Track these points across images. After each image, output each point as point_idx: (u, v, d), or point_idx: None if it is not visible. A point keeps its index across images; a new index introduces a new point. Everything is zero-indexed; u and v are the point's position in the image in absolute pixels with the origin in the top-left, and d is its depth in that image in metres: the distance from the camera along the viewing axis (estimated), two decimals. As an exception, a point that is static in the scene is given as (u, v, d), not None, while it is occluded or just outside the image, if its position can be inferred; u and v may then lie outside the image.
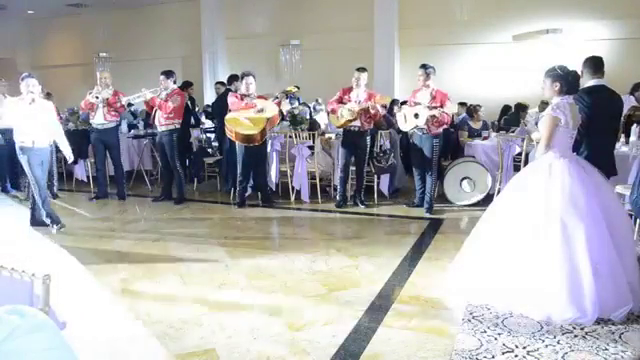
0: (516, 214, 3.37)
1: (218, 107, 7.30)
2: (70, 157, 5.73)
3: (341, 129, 6.20)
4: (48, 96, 7.73)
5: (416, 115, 5.73)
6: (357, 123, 6.02)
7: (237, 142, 6.23)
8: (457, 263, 3.66)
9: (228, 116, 6.20)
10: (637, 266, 3.28)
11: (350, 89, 6.06)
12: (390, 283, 3.83)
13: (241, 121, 6.07)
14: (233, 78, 7.27)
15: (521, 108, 7.71)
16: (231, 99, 6.20)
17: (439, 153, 5.98)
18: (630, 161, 5.16)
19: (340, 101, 6.06)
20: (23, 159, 5.29)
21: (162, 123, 6.54)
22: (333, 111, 6.09)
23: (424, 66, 5.76)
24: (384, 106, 6.23)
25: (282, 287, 3.82)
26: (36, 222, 5.64)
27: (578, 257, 3.07)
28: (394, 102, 8.60)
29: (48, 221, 5.47)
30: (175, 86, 6.76)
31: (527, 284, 3.19)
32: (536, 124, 4.12)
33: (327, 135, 7.04)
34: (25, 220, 5.84)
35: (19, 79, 5.36)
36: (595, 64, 4.10)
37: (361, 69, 6.04)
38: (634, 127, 5.77)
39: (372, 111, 5.86)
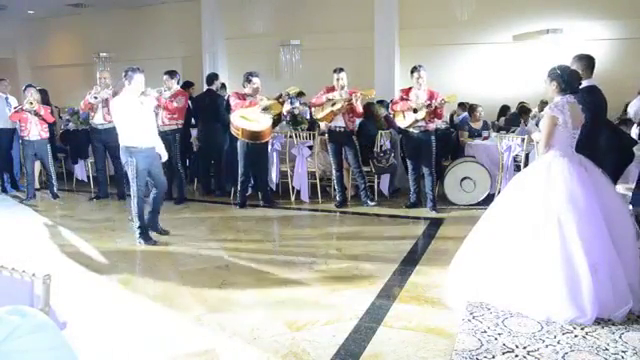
0: (516, 214, 3.37)
1: (199, 108, 7.22)
2: (165, 156, 5.19)
3: (327, 128, 6.27)
4: (42, 93, 7.71)
5: (415, 110, 5.76)
6: (341, 123, 6.08)
7: (239, 141, 6.22)
8: (457, 263, 3.66)
9: (234, 114, 6.19)
10: (638, 266, 3.27)
11: (334, 88, 6.11)
12: (390, 283, 3.83)
13: (248, 118, 6.08)
14: (214, 77, 7.24)
15: (524, 110, 7.69)
16: (234, 100, 6.20)
17: (436, 150, 6.02)
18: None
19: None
20: (130, 162, 4.81)
21: (165, 123, 6.55)
22: (314, 103, 6.18)
23: (421, 67, 5.82)
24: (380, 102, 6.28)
25: (282, 287, 3.82)
26: (156, 229, 5.15)
27: (577, 257, 3.07)
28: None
29: (137, 233, 4.95)
30: (178, 86, 6.78)
31: (527, 284, 3.19)
32: (537, 124, 4.13)
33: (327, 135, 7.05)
34: (26, 220, 5.83)
35: (123, 73, 4.84)
36: (593, 63, 4.13)
37: (340, 70, 6.07)
38: (634, 127, 5.77)
39: (355, 103, 5.93)
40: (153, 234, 5.08)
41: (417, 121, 5.81)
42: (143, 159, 4.83)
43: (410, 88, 5.94)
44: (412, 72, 5.86)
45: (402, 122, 5.99)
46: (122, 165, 7.00)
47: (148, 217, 5.09)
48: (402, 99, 5.93)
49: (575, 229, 3.11)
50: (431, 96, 5.74)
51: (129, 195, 5.06)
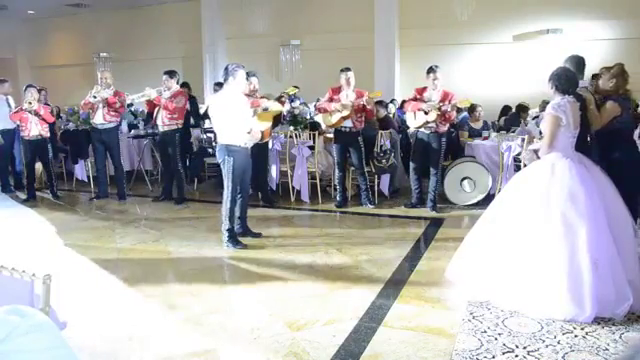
0: (517, 212, 3.38)
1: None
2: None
3: (333, 129, 6.24)
4: (42, 92, 7.69)
5: (426, 112, 5.75)
6: (348, 124, 6.07)
7: None
8: (457, 262, 3.66)
9: None
10: (638, 264, 3.27)
11: (339, 89, 6.09)
12: (390, 283, 3.83)
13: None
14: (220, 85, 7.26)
15: (522, 109, 7.71)
16: None
17: (444, 151, 6.03)
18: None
19: (331, 101, 6.11)
20: (227, 161, 4.62)
21: (165, 123, 6.55)
22: (324, 109, 6.12)
23: (437, 67, 5.80)
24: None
25: (282, 287, 3.82)
26: (250, 234, 5.00)
27: (578, 255, 3.08)
28: (393, 101, 8.58)
29: (225, 236, 4.74)
30: (178, 86, 6.78)
31: (527, 282, 3.20)
32: (537, 125, 4.13)
33: (329, 135, 7.04)
34: (26, 220, 5.80)
35: (228, 69, 4.65)
36: (582, 63, 4.13)
37: (347, 69, 6.08)
38: (637, 130, 5.76)
39: (368, 106, 5.94)
40: (248, 239, 4.97)
41: (427, 122, 5.79)
42: (240, 159, 4.69)
43: (425, 88, 5.90)
44: (428, 72, 5.81)
45: (412, 122, 5.97)
46: (122, 165, 7.16)
47: (238, 224, 4.97)
48: (415, 99, 5.91)
49: (578, 227, 3.11)
50: (445, 97, 5.71)
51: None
